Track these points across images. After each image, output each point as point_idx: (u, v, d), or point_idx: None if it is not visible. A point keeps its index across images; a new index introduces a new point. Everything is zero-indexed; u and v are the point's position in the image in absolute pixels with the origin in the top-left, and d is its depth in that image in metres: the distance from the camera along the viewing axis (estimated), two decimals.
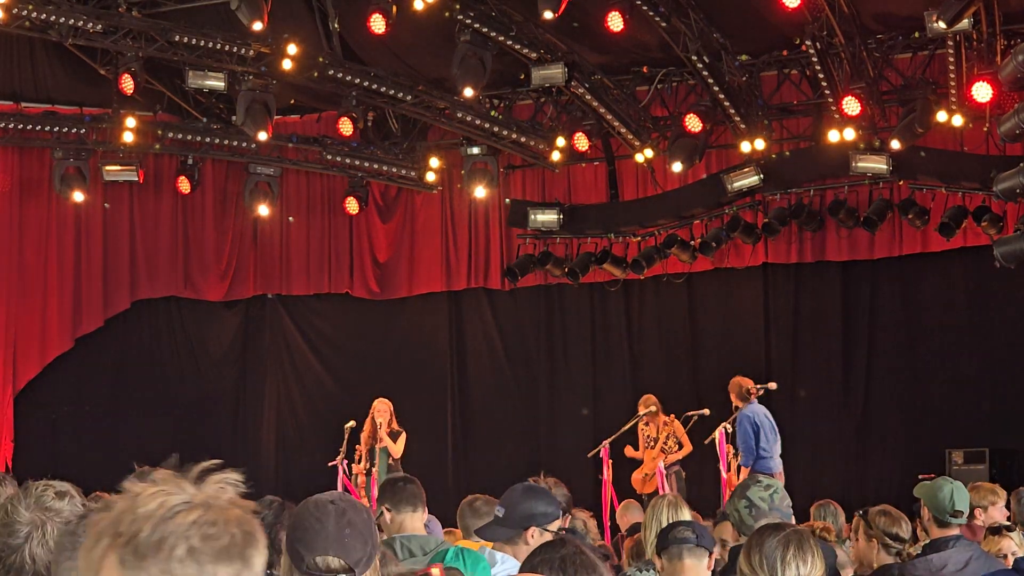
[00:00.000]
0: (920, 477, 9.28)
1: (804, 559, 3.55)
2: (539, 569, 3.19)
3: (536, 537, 4.89)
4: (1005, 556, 6.13)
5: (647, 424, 13.86)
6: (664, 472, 13.16)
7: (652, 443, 13.77)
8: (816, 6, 12.47)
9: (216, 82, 14.74)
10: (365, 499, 12.95)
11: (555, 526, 4.97)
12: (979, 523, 7.27)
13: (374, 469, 13.54)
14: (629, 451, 14.02)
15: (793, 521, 4.48)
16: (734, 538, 4.80)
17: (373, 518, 3.21)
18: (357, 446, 13.96)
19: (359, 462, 13.89)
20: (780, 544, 3.56)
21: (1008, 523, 7.01)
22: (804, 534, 3.67)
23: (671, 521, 5.18)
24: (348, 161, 16.51)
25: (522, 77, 14.79)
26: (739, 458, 12.55)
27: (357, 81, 14.92)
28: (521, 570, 3.28)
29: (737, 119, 14.43)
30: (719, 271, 15.60)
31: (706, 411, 13.58)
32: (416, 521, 5.75)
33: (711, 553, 4.77)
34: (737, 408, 12.82)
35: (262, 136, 15.03)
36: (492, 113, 15.65)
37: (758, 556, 3.57)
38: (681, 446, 13.69)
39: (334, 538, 3.02)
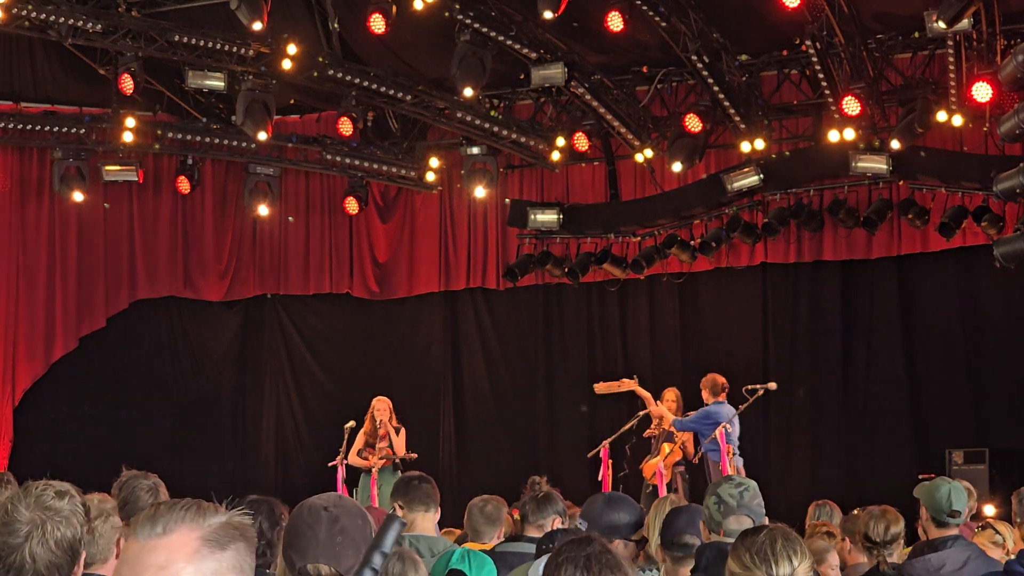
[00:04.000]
0: (920, 477, 9.27)
1: (794, 550, 3.57)
2: (564, 566, 3.18)
3: (620, 549, 4.80)
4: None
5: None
6: (663, 473, 13.12)
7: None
8: (816, 6, 12.46)
9: (216, 82, 14.74)
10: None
11: (638, 535, 4.91)
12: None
13: (374, 468, 13.50)
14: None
15: (766, 521, 4.46)
16: (704, 536, 4.78)
17: (370, 523, 3.18)
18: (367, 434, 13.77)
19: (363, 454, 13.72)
20: (768, 539, 3.58)
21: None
22: (787, 529, 3.69)
23: (677, 519, 5.15)
24: (348, 161, 16.50)
25: (522, 77, 14.77)
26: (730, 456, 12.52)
27: (357, 81, 14.92)
28: (546, 567, 3.25)
29: (737, 119, 14.42)
30: (718, 271, 15.58)
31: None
32: (428, 521, 5.76)
33: None
34: (706, 404, 12.99)
35: (262, 136, 15.02)
36: (492, 113, 15.63)
37: (748, 554, 3.57)
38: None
39: (325, 545, 3.01)
